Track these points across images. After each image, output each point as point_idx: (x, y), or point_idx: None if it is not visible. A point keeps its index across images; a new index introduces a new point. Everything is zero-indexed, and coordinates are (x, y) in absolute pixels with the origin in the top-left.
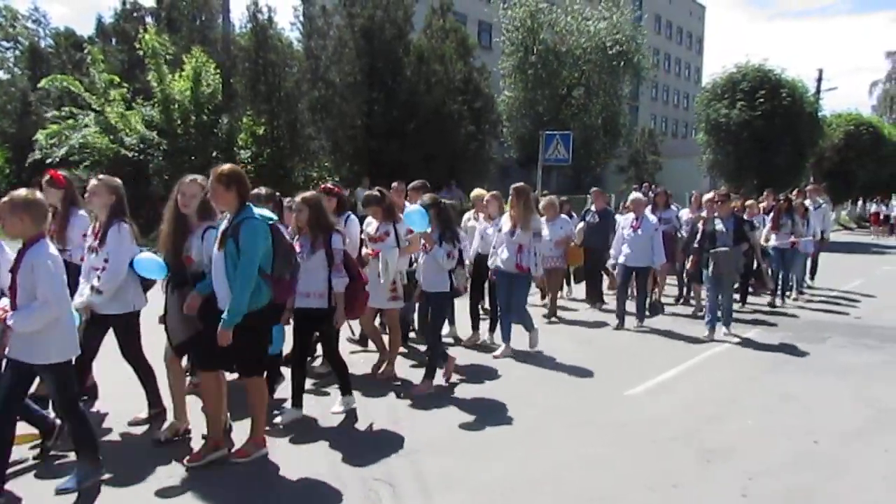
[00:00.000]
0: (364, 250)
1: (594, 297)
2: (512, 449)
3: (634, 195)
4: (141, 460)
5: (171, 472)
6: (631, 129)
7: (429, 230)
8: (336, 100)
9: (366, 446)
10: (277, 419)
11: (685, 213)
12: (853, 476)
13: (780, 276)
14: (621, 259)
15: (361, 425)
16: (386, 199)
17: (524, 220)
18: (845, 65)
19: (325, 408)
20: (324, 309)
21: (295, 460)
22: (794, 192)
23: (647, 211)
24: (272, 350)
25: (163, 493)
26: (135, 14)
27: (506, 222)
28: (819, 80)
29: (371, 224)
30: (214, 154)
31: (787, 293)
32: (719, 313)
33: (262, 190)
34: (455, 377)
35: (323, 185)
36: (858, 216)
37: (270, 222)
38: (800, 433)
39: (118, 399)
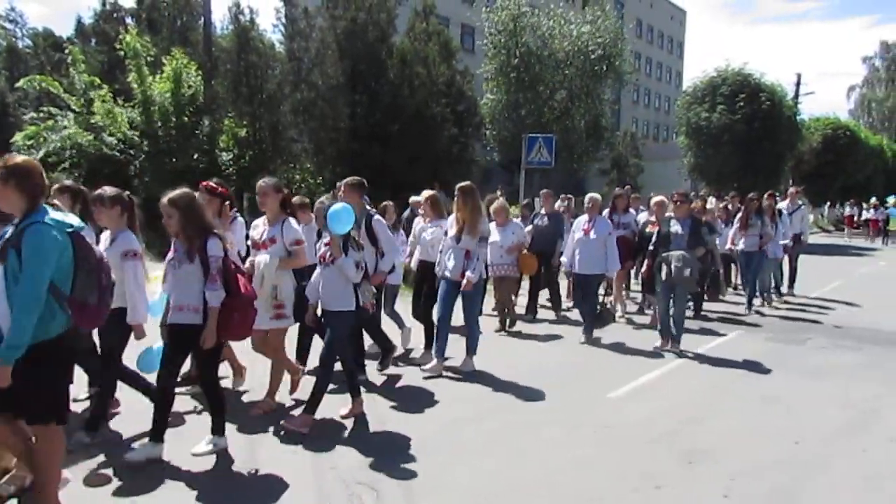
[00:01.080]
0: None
1: (556, 304)
2: (496, 452)
3: (591, 194)
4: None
5: (144, 484)
6: (613, 132)
7: (342, 234)
8: (319, 102)
9: (349, 450)
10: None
11: (644, 217)
12: (833, 476)
13: (748, 282)
14: (575, 266)
15: (345, 428)
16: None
17: (471, 223)
18: (823, 69)
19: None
20: (197, 326)
21: (277, 465)
22: (766, 195)
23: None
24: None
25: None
26: (115, 15)
27: (452, 226)
28: (797, 84)
29: (257, 228)
30: (195, 156)
31: (757, 298)
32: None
33: (108, 190)
34: (446, 376)
35: (205, 183)
36: (836, 219)
37: (70, 229)
38: (781, 434)
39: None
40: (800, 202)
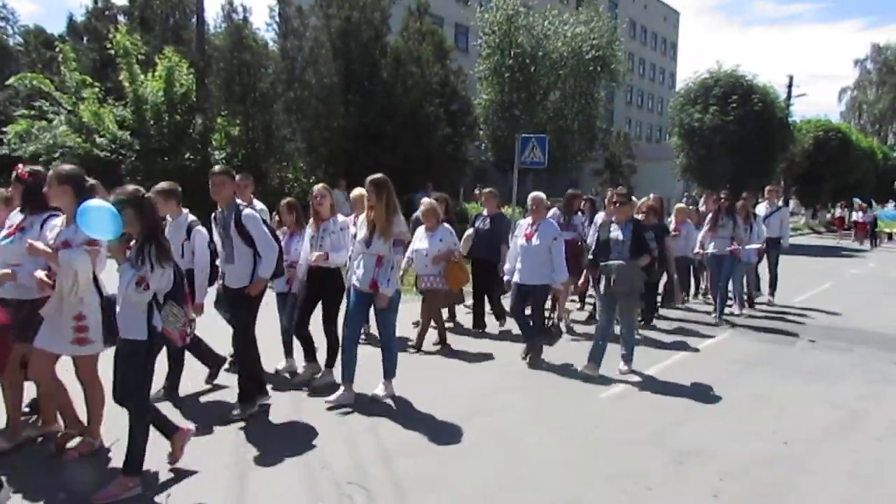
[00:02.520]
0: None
1: (499, 314)
2: (487, 453)
3: (534, 194)
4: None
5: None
6: (607, 132)
7: (118, 241)
8: (312, 101)
9: (340, 450)
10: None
11: (600, 218)
12: (821, 476)
13: (720, 288)
14: (516, 276)
15: (335, 429)
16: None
17: (384, 223)
18: (815, 71)
19: (301, 411)
20: None
21: (267, 465)
22: (743, 195)
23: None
24: None
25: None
26: (106, 13)
27: (362, 226)
28: (789, 86)
29: (55, 228)
30: (188, 155)
31: (729, 306)
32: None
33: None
34: (443, 375)
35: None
36: (828, 220)
37: None
38: (770, 434)
39: None
40: (779, 203)
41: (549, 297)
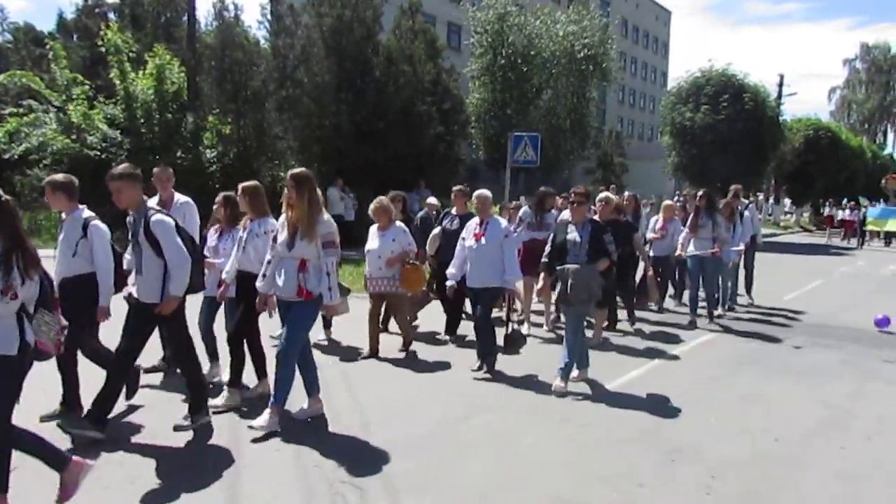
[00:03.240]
0: None
1: (452, 327)
2: (479, 451)
3: (479, 192)
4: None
5: (128, 478)
6: (598, 131)
7: None
8: (304, 100)
9: (334, 449)
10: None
11: (566, 215)
12: (812, 474)
13: (706, 290)
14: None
15: (329, 428)
16: None
17: (308, 223)
18: (805, 70)
19: (293, 410)
20: None
21: (261, 464)
22: (730, 194)
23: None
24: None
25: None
26: (97, 10)
27: (282, 228)
28: (780, 85)
29: None
30: (179, 153)
31: (716, 310)
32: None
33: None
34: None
35: None
36: (819, 219)
37: None
38: (761, 432)
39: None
40: (746, 201)
41: (505, 300)
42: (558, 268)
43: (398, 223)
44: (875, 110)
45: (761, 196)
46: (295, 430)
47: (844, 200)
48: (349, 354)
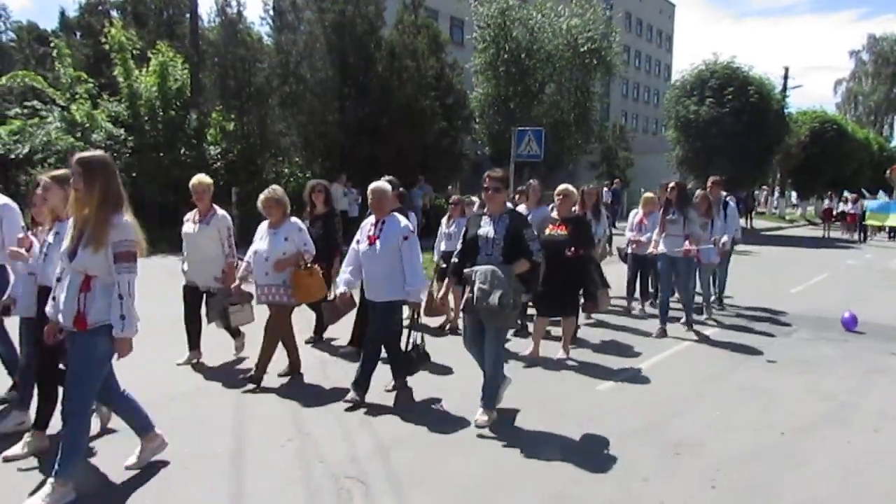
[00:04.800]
0: None
1: (354, 337)
2: (484, 445)
3: (375, 185)
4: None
5: (133, 472)
6: (602, 125)
7: None
8: (307, 95)
9: (337, 444)
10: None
11: (522, 210)
12: (816, 466)
13: (679, 292)
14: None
15: (332, 423)
16: None
17: (97, 226)
18: (810, 63)
19: (298, 406)
20: None
21: (265, 459)
22: (709, 184)
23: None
24: None
25: (122, 494)
26: (99, 7)
27: (68, 235)
28: (785, 77)
29: None
30: (183, 150)
31: (701, 315)
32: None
33: None
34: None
35: None
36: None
37: None
38: (765, 425)
39: None
40: (725, 197)
41: (411, 312)
42: (466, 270)
43: (293, 220)
44: (882, 102)
45: (766, 189)
46: (299, 425)
47: (844, 193)
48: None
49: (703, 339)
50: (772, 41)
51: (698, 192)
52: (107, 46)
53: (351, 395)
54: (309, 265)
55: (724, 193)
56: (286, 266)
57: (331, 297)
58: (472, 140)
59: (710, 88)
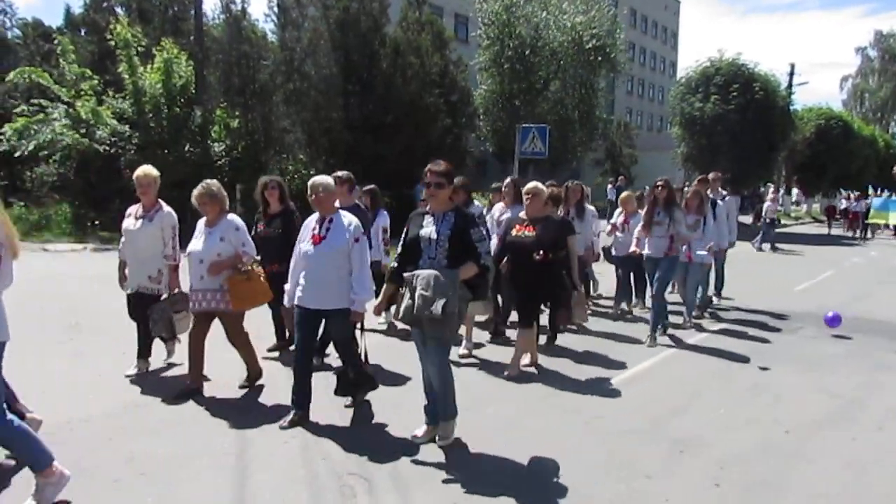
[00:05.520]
0: None
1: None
2: (488, 443)
3: (316, 179)
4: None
5: (138, 470)
6: (607, 122)
7: None
8: (311, 92)
9: (341, 441)
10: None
11: (498, 209)
12: (821, 464)
13: (653, 296)
14: (298, 294)
15: (336, 420)
16: None
17: None
18: (817, 59)
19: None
20: None
21: (269, 457)
22: (696, 181)
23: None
24: None
25: (129, 489)
26: (104, 4)
27: None
28: (791, 74)
29: None
30: (187, 147)
31: (688, 319)
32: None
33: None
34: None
35: None
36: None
37: None
38: (770, 423)
39: None
40: (723, 192)
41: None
42: (406, 274)
43: (231, 217)
44: (888, 99)
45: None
46: (302, 423)
47: (841, 190)
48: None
49: (710, 336)
50: (778, 37)
51: (691, 187)
52: (112, 43)
53: (291, 416)
54: (249, 268)
55: (724, 193)
56: (221, 269)
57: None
58: (477, 137)
59: (716, 85)
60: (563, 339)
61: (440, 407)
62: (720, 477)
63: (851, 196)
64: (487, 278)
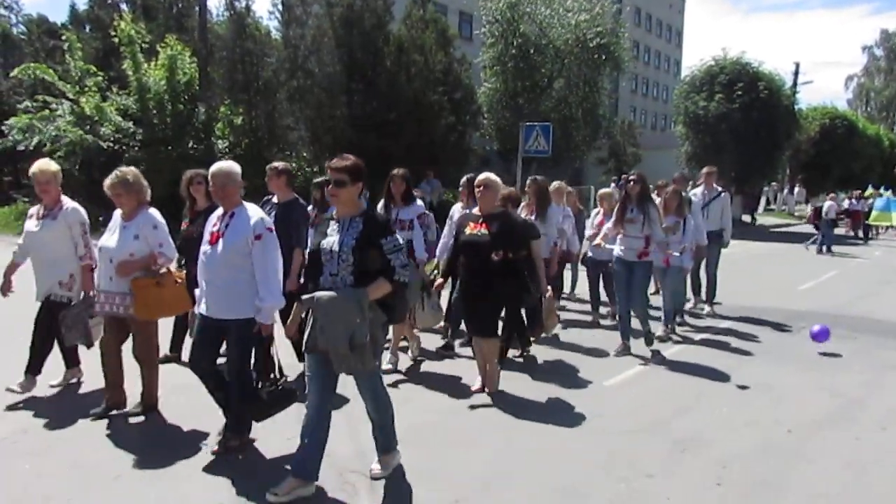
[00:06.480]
0: None
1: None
2: (489, 441)
3: (217, 166)
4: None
5: (141, 466)
6: (611, 121)
7: None
8: (315, 90)
9: (342, 439)
10: None
11: (457, 210)
12: (822, 463)
13: (619, 302)
14: (201, 307)
15: (337, 418)
16: None
17: None
18: (822, 58)
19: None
20: None
21: (271, 454)
22: (674, 177)
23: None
24: None
25: (138, 486)
26: (109, 1)
27: None
28: (796, 73)
29: None
30: (191, 144)
31: (667, 327)
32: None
33: None
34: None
35: None
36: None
37: None
38: (773, 422)
39: None
40: (718, 188)
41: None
42: (303, 297)
43: (150, 212)
44: (894, 98)
45: (775, 185)
46: (302, 420)
47: (835, 191)
48: None
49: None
50: (783, 36)
51: (669, 187)
52: (116, 40)
53: (226, 439)
54: (165, 272)
55: (720, 189)
56: (132, 271)
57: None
58: (480, 135)
59: (720, 84)
60: (564, 339)
61: (381, 438)
62: (721, 476)
63: (853, 195)
64: (406, 297)
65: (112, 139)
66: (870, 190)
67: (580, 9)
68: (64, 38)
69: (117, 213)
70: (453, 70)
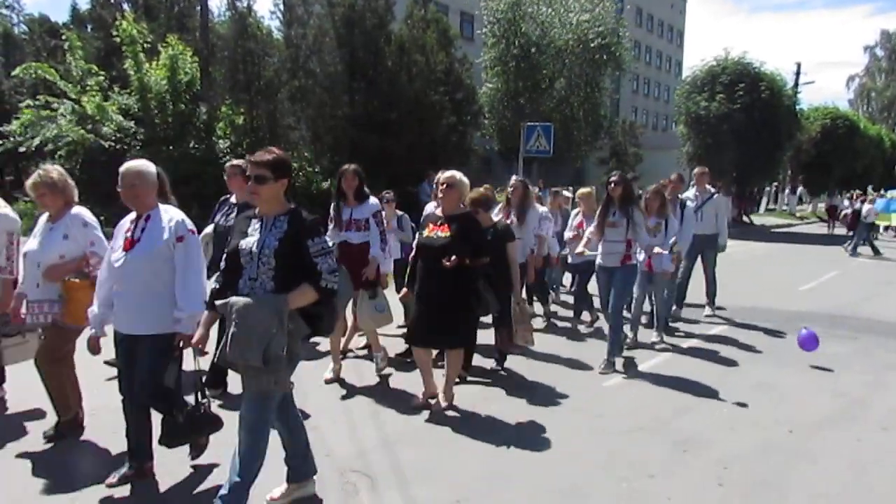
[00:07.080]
0: None
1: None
2: (490, 441)
3: (129, 166)
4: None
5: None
6: (612, 121)
7: None
8: (316, 90)
9: (343, 438)
10: None
11: (430, 208)
12: (825, 464)
13: (611, 308)
14: (117, 325)
15: (338, 417)
16: None
17: None
18: (823, 58)
19: (305, 400)
20: None
21: (271, 453)
22: (661, 182)
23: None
24: None
25: (137, 483)
26: (111, 0)
27: None
28: (797, 73)
29: None
30: (192, 144)
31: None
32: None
33: None
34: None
35: None
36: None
37: None
38: (774, 422)
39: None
40: (712, 189)
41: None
42: (217, 303)
43: (78, 211)
44: (894, 98)
45: (777, 185)
46: (305, 419)
47: (837, 191)
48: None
49: (713, 336)
50: (784, 37)
51: (651, 186)
52: (118, 39)
53: (124, 470)
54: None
55: (713, 189)
56: (63, 274)
57: None
58: (481, 135)
59: (721, 84)
60: (563, 338)
61: (294, 463)
62: (723, 476)
63: (854, 195)
64: (333, 305)
65: (113, 139)
66: (871, 194)
67: (581, 9)
68: (65, 37)
69: (43, 216)
70: (454, 70)
